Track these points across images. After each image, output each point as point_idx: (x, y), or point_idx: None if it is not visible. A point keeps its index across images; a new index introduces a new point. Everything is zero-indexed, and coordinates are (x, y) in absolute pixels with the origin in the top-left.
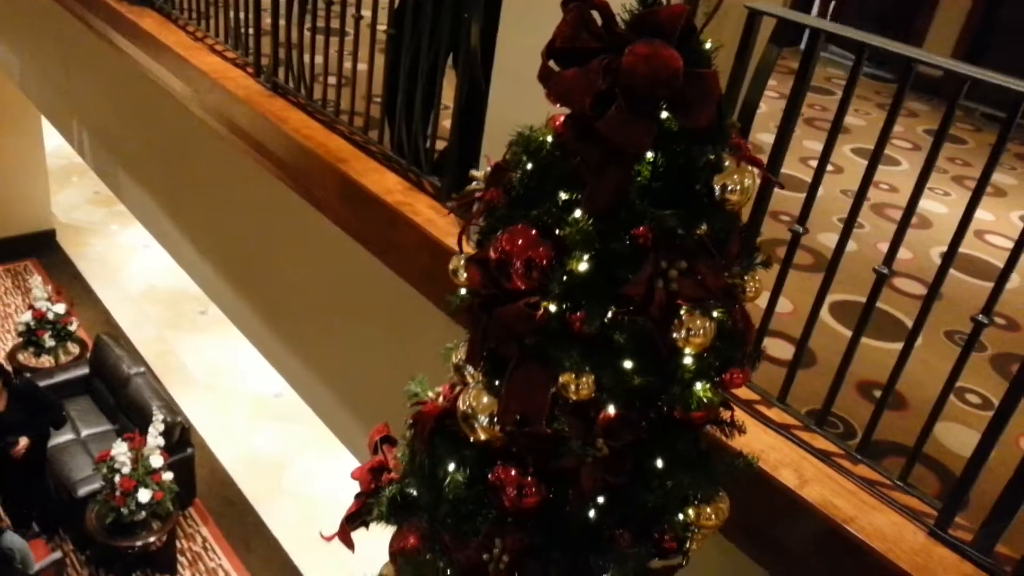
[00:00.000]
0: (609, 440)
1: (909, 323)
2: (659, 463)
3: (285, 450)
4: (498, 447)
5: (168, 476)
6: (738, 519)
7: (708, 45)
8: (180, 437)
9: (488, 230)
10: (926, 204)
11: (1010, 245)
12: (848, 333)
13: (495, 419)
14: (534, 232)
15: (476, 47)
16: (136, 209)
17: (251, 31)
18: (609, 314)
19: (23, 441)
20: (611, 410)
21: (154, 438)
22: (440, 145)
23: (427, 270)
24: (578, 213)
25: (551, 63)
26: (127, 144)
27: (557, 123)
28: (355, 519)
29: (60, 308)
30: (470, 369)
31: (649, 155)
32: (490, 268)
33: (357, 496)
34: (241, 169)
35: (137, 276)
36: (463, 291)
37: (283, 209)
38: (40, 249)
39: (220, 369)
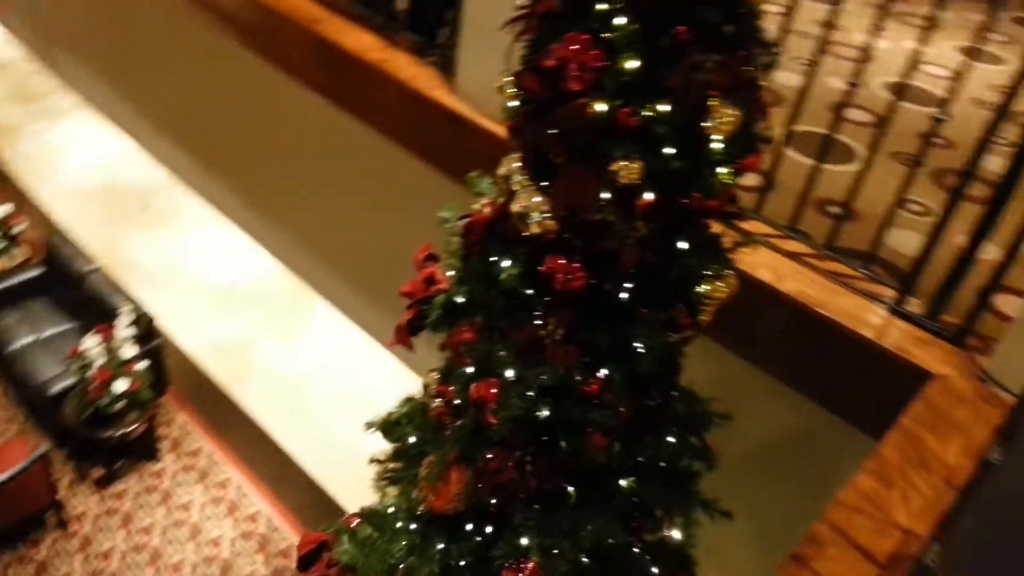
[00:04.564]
0: (647, 222)
1: (858, 147)
2: (683, 244)
3: (250, 334)
4: (547, 240)
5: (143, 365)
6: (721, 321)
7: None
8: (147, 328)
9: (537, 44)
10: (867, 40)
11: (945, 74)
12: (804, 160)
13: (547, 214)
14: (587, 37)
15: None
16: (85, 93)
17: None
18: (650, 111)
19: None
20: (649, 196)
21: (124, 329)
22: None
23: (411, 124)
24: (620, 20)
25: None
26: (69, 23)
27: None
28: (412, 325)
29: (3, 209)
30: (517, 177)
31: None
32: (547, 74)
33: (411, 305)
34: (205, 40)
35: (71, 175)
36: (512, 104)
37: (253, 78)
38: None
39: (171, 261)
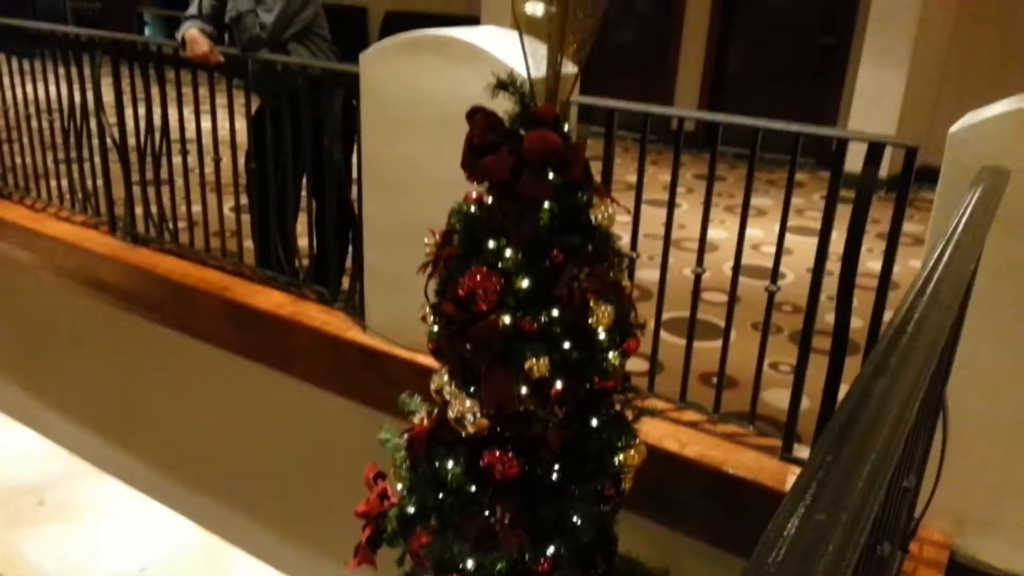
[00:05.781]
0: (561, 407)
1: (722, 323)
2: (594, 422)
3: None
4: (482, 438)
5: None
6: (640, 493)
7: (567, 127)
8: None
9: (447, 278)
10: (710, 232)
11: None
12: (679, 341)
13: (478, 414)
14: (485, 269)
15: (340, 164)
16: None
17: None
18: (545, 317)
19: None
20: (559, 385)
21: None
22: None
23: (328, 365)
24: (508, 252)
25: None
26: None
27: (472, 197)
28: (371, 542)
29: None
30: (447, 388)
31: (547, 204)
32: (461, 301)
33: (367, 523)
34: (112, 322)
35: None
36: (435, 328)
37: (166, 352)
38: None
39: (73, 558)
